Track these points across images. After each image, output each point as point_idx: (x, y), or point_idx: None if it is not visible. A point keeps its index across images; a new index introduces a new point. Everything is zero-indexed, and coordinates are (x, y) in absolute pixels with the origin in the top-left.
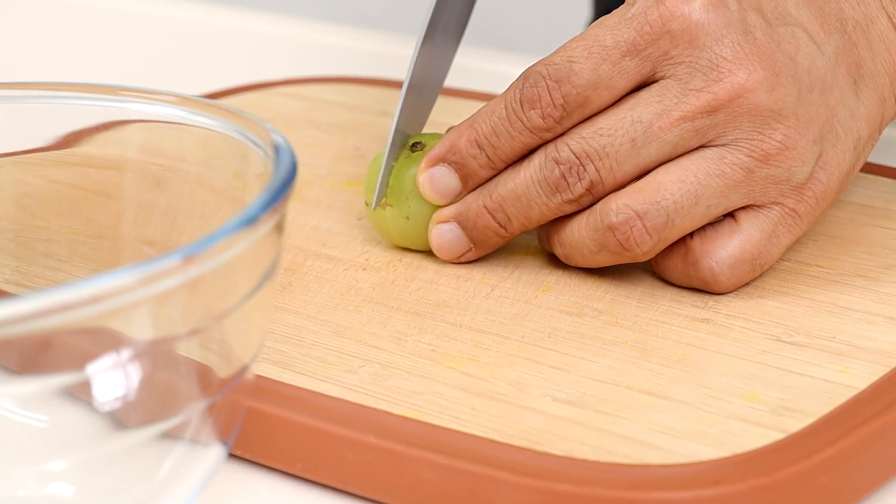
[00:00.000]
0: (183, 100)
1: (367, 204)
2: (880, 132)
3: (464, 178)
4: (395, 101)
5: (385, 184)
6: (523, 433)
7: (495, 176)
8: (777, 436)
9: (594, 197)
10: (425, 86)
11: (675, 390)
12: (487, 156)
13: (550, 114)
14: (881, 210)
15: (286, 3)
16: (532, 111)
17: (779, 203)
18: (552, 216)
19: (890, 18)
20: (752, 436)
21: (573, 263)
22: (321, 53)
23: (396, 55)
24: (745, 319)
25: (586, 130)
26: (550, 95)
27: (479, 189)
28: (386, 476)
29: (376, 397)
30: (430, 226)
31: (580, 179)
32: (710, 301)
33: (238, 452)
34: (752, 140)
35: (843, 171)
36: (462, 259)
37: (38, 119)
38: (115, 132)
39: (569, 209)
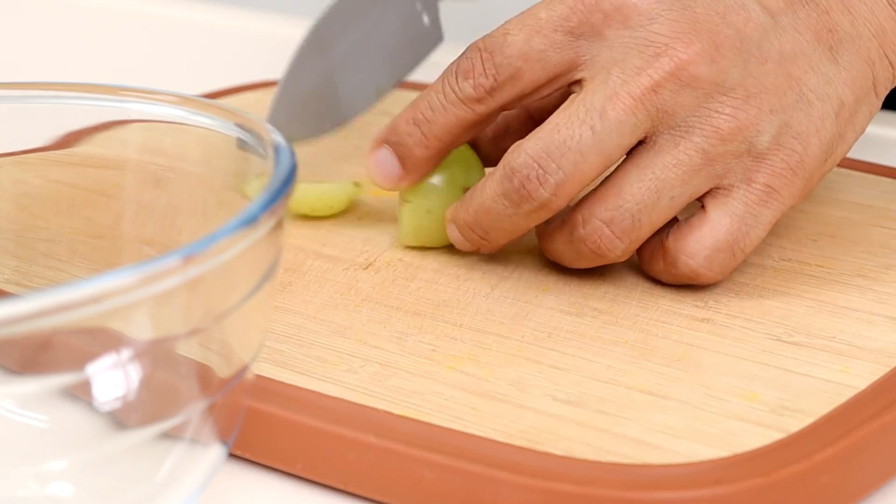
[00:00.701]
0: (183, 100)
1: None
2: (878, 96)
3: (401, 159)
4: (395, 102)
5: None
6: (523, 433)
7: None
8: (777, 436)
9: (562, 198)
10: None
11: (675, 390)
12: (422, 132)
13: (482, 83)
14: (881, 210)
15: (286, 3)
16: (465, 81)
17: (748, 181)
18: (528, 226)
19: None
20: (752, 436)
21: (566, 265)
22: None
23: None
24: (745, 319)
25: (540, 132)
26: (483, 66)
27: (463, 198)
28: (386, 476)
29: (376, 397)
30: (446, 222)
31: (542, 184)
32: (710, 301)
33: (238, 452)
34: (700, 117)
35: (825, 139)
36: (480, 252)
37: (38, 119)
38: (115, 132)
39: (541, 216)
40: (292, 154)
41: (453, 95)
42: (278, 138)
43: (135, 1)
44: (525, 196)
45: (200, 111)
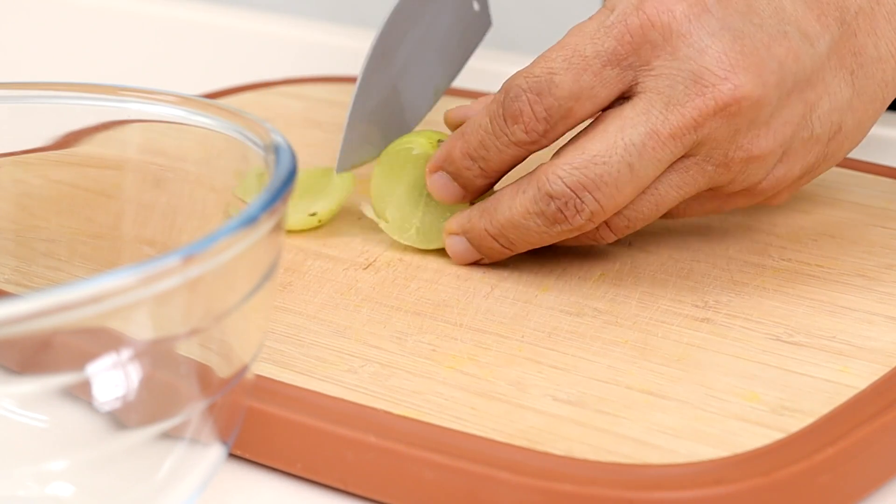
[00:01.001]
0: (183, 100)
1: (381, 219)
2: (881, 113)
3: (463, 186)
4: None
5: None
6: (523, 433)
7: (494, 190)
8: (777, 436)
9: (596, 223)
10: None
11: (675, 390)
12: (480, 167)
13: (534, 128)
14: (881, 210)
15: (286, 3)
16: (515, 126)
17: (718, 190)
18: (556, 240)
19: None
20: (752, 436)
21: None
22: (321, 53)
23: None
24: (745, 319)
25: (577, 160)
26: (532, 109)
27: (481, 208)
28: (386, 476)
29: (376, 397)
30: (444, 235)
31: (579, 212)
32: (711, 301)
33: (238, 452)
34: (722, 149)
35: (808, 164)
36: (481, 263)
37: (38, 119)
38: (115, 132)
39: (572, 234)
40: (292, 154)
41: (506, 139)
42: (278, 138)
43: (136, 1)
44: (561, 220)
45: (200, 111)
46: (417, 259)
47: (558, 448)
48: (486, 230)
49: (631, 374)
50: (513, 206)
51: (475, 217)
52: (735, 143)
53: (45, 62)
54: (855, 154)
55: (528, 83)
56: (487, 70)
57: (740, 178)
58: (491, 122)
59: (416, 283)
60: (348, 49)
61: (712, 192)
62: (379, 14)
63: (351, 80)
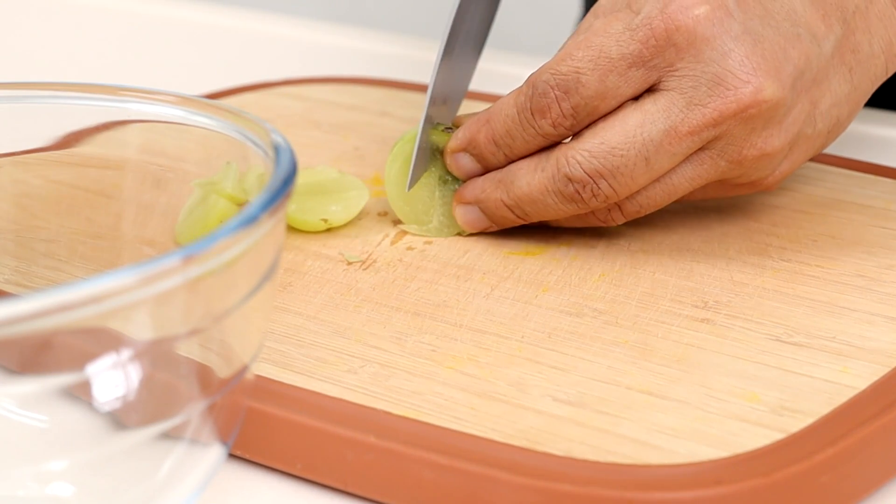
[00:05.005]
0: (183, 100)
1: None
2: (862, 105)
3: (484, 167)
4: (395, 102)
5: (419, 167)
6: (523, 433)
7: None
8: (777, 436)
9: (609, 205)
10: (448, 94)
11: (675, 390)
12: (504, 154)
13: (561, 123)
14: (881, 210)
15: (286, 3)
16: (543, 120)
17: (725, 180)
18: (568, 215)
19: None
20: (752, 436)
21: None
22: (321, 53)
23: (397, 55)
24: (745, 319)
25: (597, 149)
26: (560, 106)
27: (496, 179)
28: (386, 476)
29: (376, 397)
30: (455, 204)
31: (595, 195)
32: (710, 301)
33: (238, 452)
34: (736, 146)
35: (809, 154)
36: (488, 230)
37: (38, 119)
38: (115, 132)
39: (584, 212)
40: (292, 154)
41: (532, 130)
42: (278, 138)
43: (135, 1)
44: (577, 200)
45: (200, 111)
46: (417, 259)
47: (558, 448)
48: (502, 201)
49: (631, 374)
50: (531, 182)
51: (490, 188)
52: (749, 141)
53: (45, 62)
54: (855, 154)
55: (556, 80)
56: (489, 70)
57: (750, 172)
58: (518, 115)
59: (416, 283)
60: (348, 49)
61: (719, 183)
62: (377, 16)
63: (351, 80)
